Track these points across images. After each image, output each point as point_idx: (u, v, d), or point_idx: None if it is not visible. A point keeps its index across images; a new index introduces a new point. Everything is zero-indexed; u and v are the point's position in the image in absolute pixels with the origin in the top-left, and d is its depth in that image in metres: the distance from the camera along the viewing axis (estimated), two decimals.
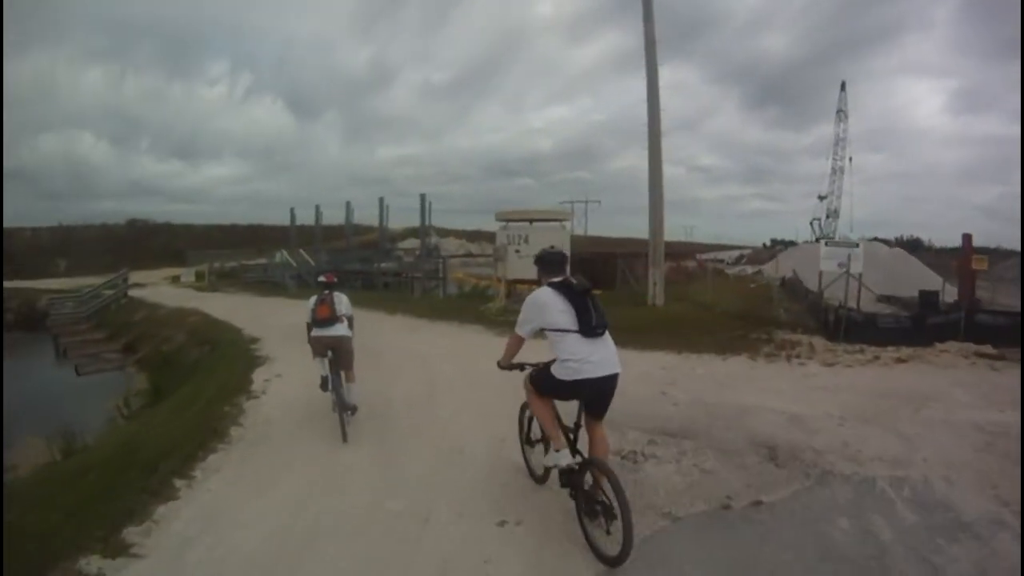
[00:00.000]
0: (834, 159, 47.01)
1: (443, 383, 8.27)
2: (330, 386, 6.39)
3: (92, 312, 21.93)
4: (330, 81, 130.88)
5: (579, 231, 35.91)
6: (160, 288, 27.42)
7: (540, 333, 4.07)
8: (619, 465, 5.14)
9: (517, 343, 4.21)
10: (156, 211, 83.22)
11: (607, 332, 3.95)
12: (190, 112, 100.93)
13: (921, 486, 4.78)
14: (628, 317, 13.04)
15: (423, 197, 31.19)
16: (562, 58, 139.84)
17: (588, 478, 3.87)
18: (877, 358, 9.78)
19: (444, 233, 48.53)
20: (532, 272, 15.43)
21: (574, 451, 4.07)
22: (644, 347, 10.23)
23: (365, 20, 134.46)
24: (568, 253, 17.55)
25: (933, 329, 10.78)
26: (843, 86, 47.89)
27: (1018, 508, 4.30)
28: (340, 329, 6.49)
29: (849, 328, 11.01)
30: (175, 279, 30.76)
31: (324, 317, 6.42)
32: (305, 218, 37.67)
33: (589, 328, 3.79)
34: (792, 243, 49.06)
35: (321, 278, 7.09)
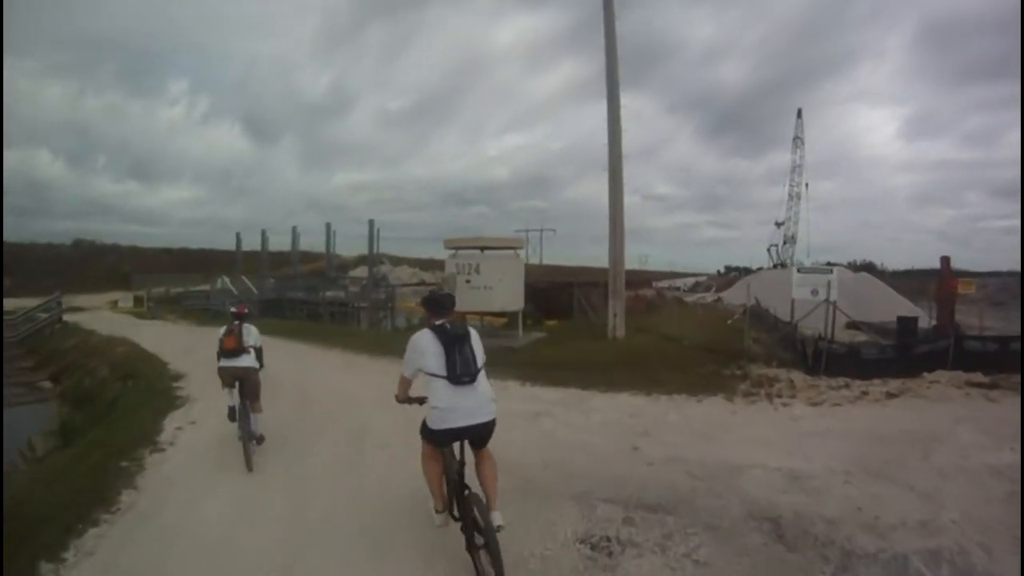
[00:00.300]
0: (791, 185, 47.36)
1: (375, 438, 6.83)
2: (237, 416, 6.35)
3: (24, 337, 20.18)
4: (289, 105, 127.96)
5: (534, 260, 34.77)
6: (100, 313, 25.87)
7: None
8: (589, 559, 3.98)
9: (403, 383, 4.09)
10: (110, 231, 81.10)
11: (480, 378, 3.82)
12: (148, 132, 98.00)
13: (959, 559, 4.03)
14: (588, 352, 11.96)
15: (371, 223, 29.80)
16: (520, 87, 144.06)
17: (475, 513, 3.72)
18: (865, 393, 8.93)
19: (398, 261, 46.98)
20: (485, 303, 13.67)
21: (460, 499, 3.88)
22: (608, 387, 9.10)
23: (326, 44, 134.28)
24: (522, 282, 16.95)
25: (918, 358, 10.00)
26: (799, 113, 48.58)
27: None
28: (247, 360, 6.46)
29: (829, 360, 10.08)
30: (115, 304, 28.57)
31: (231, 348, 6.41)
32: (256, 243, 35.79)
33: (455, 375, 3.71)
34: (747, 270, 49.17)
35: (232, 308, 7.13)
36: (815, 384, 9.40)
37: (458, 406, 3.70)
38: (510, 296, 15.15)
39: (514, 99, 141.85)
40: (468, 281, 14.99)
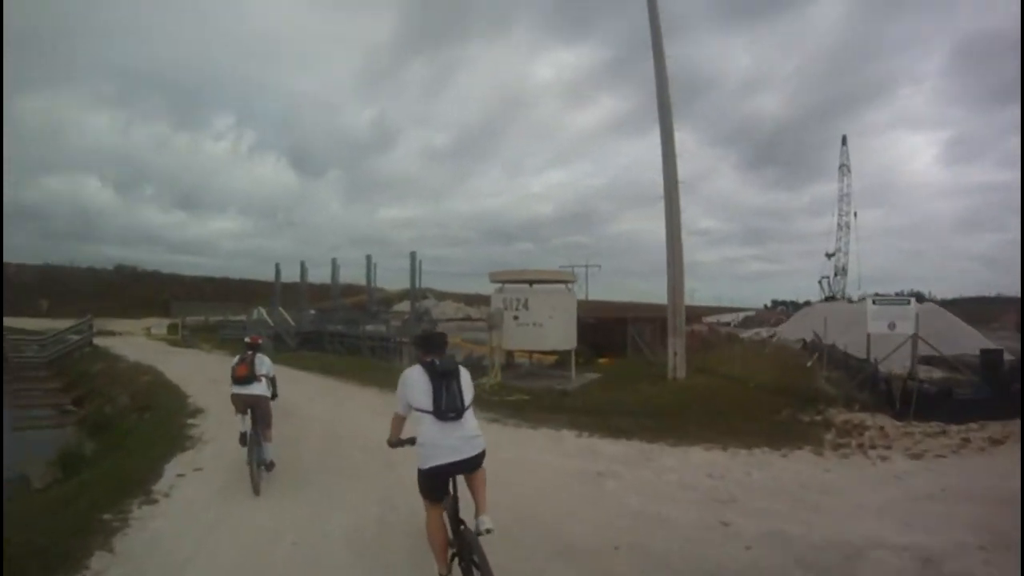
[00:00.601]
0: (839, 215, 45.96)
1: (406, 504, 5.33)
2: (248, 441, 6.52)
3: (55, 358, 20.39)
4: (333, 140, 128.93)
5: (580, 296, 34.33)
6: (134, 339, 25.92)
7: None
8: None
9: (398, 421, 4.14)
10: (157, 260, 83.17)
11: (467, 415, 3.84)
12: (195, 164, 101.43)
13: None
14: (649, 395, 11.24)
15: (413, 255, 29.62)
16: (560, 122, 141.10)
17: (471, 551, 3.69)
18: (967, 441, 8.06)
19: (442, 296, 46.85)
20: (536, 341, 12.94)
21: (455, 532, 3.89)
22: (678, 439, 8.28)
23: (368, 81, 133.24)
24: (575, 318, 16.24)
25: (1014, 397, 9.01)
26: (844, 140, 47.53)
27: None
28: (257, 388, 6.74)
29: (919, 402, 9.14)
30: (148, 331, 28.89)
31: (242, 376, 6.70)
32: (297, 275, 36.09)
33: (440, 411, 3.73)
34: (795, 303, 47.56)
35: (247, 339, 7.33)
36: (908, 431, 8.49)
37: (444, 442, 3.71)
38: (562, 333, 14.57)
39: (554, 134, 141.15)
40: (516, 317, 14.48)
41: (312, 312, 33.33)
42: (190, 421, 9.64)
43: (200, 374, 14.62)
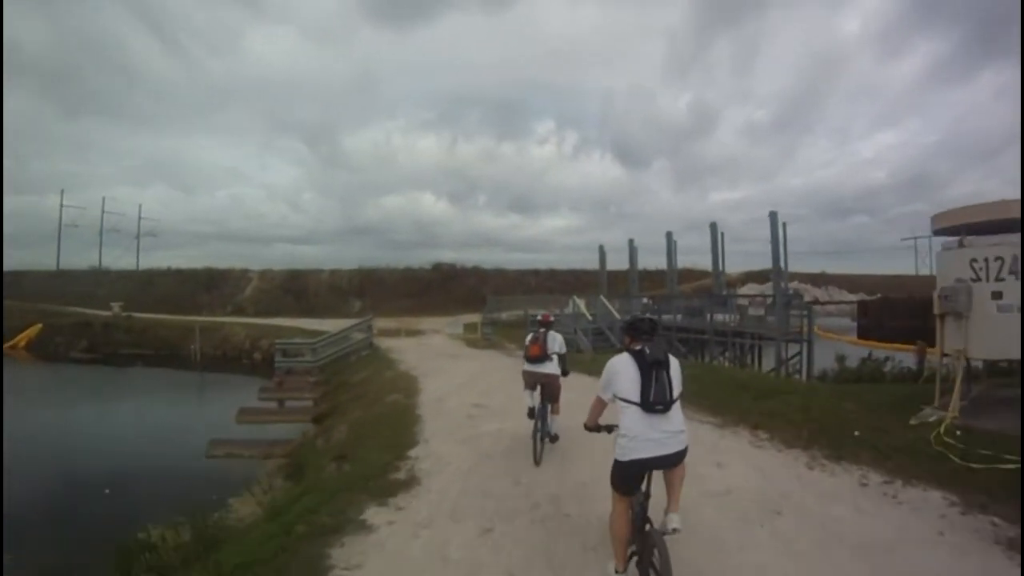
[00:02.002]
0: None
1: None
2: (536, 414, 6.74)
3: (327, 362, 18.72)
4: (654, 130, 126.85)
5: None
6: (430, 339, 24.25)
7: None
8: None
9: (598, 406, 3.94)
10: (495, 259, 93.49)
11: (675, 408, 3.63)
12: (522, 170, 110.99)
13: None
14: None
15: (774, 216, 22.50)
16: (879, 77, 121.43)
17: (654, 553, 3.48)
18: None
19: (790, 277, 38.32)
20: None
21: (640, 532, 3.66)
22: None
23: (677, 68, 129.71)
24: None
25: None
26: None
27: None
28: (549, 367, 6.95)
29: None
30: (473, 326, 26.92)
31: (536, 355, 6.95)
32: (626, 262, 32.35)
33: (647, 402, 3.54)
34: None
35: (538, 317, 7.62)
36: None
37: (648, 435, 3.54)
38: None
39: (876, 92, 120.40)
40: (998, 297, 7.01)
41: (645, 301, 28.56)
42: (390, 501, 5.54)
43: (467, 393, 11.00)
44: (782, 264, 23.74)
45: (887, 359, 15.05)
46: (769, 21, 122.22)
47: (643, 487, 3.63)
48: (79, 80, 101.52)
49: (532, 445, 6.55)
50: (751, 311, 22.34)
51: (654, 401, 3.51)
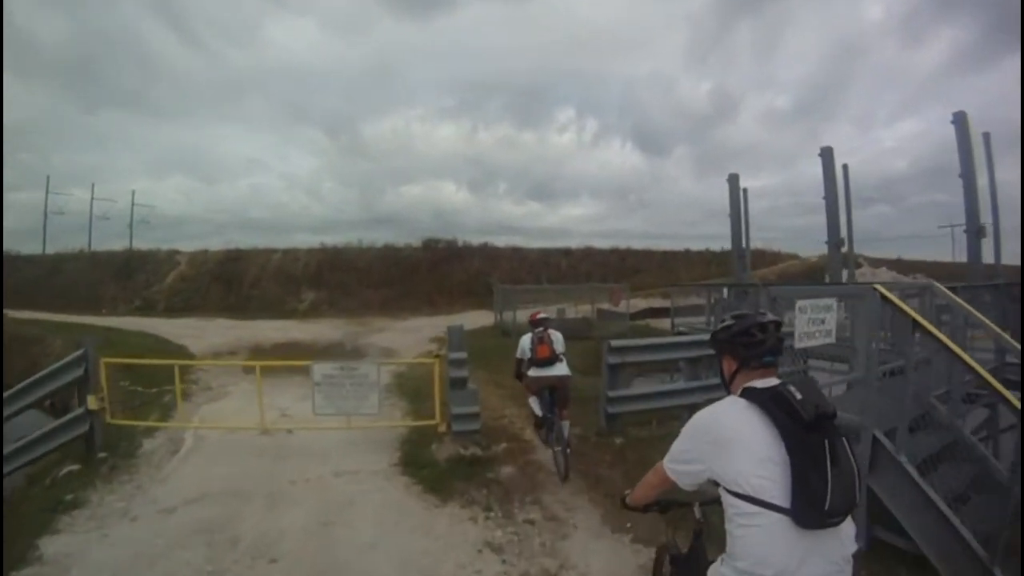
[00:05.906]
0: None
1: None
2: (546, 423, 6.29)
3: None
4: (675, 117, 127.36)
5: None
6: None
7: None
8: None
9: (658, 481, 2.10)
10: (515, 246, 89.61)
11: (848, 519, 1.73)
12: (542, 158, 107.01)
13: None
14: None
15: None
16: (902, 65, 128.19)
17: None
18: None
19: (876, 263, 32.22)
20: None
21: None
22: None
23: (698, 54, 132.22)
24: None
25: None
26: None
27: None
28: (561, 368, 6.36)
29: None
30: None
31: (545, 357, 6.30)
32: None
33: (813, 510, 1.62)
34: None
35: (541, 315, 6.74)
36: None
37: (798, 570, 1.62)
38: None
39: (898, 80, 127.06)
40: None
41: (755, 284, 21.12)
42: None
43: None
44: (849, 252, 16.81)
45: None
46: (791, 7, 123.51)
47: None
48: (99, 75, 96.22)
49: (552, 458, 6.20)
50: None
51: (829, 510, 1.57)
